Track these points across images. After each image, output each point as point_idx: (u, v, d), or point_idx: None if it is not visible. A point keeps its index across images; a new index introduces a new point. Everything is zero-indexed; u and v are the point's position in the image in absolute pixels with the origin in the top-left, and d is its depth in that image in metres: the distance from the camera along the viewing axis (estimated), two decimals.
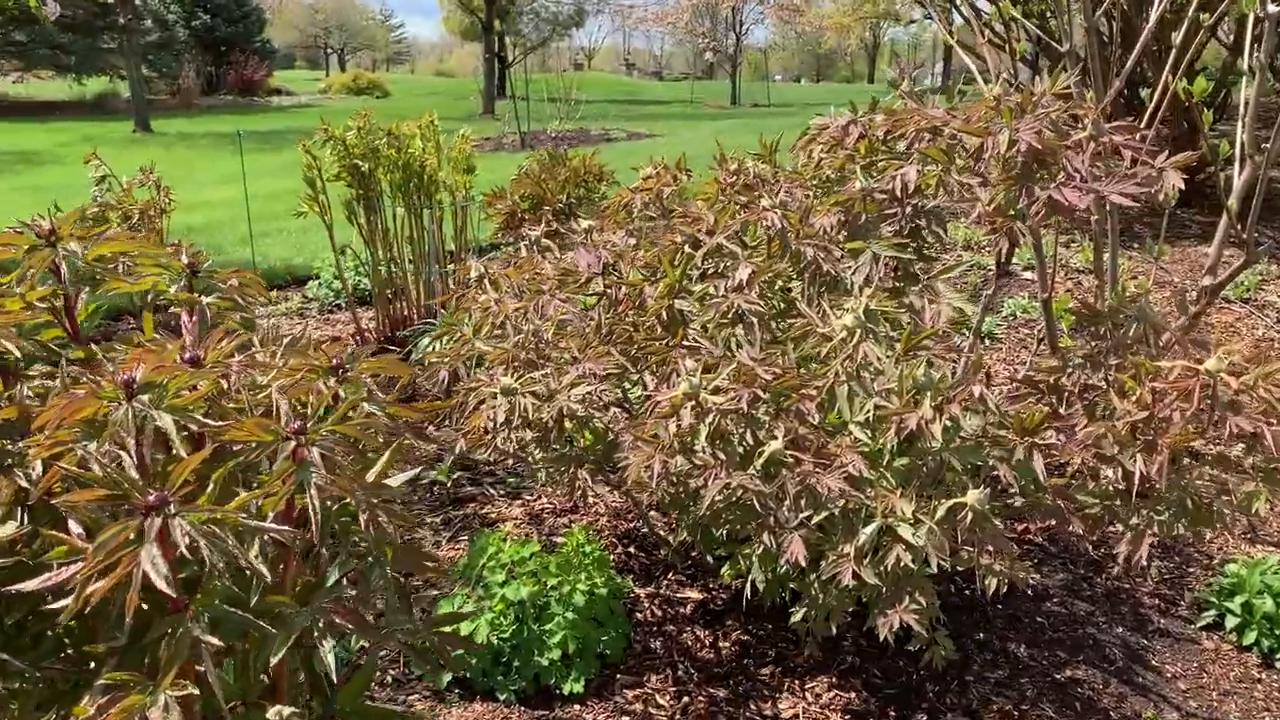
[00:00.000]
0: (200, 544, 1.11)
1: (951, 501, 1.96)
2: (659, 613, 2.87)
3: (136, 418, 1.25)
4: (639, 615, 2.86)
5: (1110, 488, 2.14)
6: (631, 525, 3.29)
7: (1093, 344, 2.20)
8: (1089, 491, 2.16)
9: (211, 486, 1.21)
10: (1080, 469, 2.16)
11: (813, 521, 2.01)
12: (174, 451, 1.27)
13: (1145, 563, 2.01)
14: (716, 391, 2.13)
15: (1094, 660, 2.74)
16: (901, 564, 1.92)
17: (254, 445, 1.30)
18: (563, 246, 3.14)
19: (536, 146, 14.18)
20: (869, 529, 1.97)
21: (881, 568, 1.95)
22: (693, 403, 2.07)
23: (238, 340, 1.48)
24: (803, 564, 1.98)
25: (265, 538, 1.30)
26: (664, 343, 2.55)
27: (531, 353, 2.45)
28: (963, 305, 2.52)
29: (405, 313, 5.02)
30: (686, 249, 2.66)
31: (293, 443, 1.28)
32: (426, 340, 4.20)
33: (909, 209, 2.72)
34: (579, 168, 5.83)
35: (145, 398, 1.28)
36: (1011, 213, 2.15)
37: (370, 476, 1.39)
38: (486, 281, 2.81)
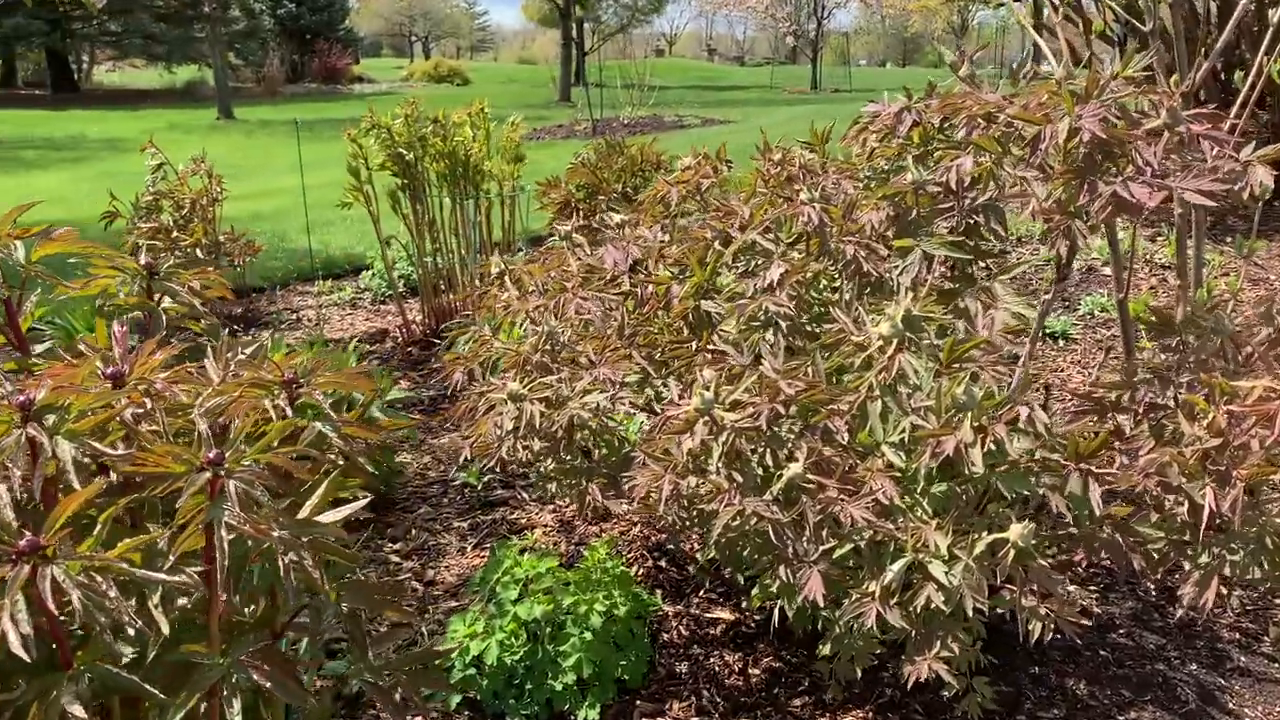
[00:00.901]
0: (74, 596, 0.97)
1: (991, 537, 1.75)
2: (686, 633, 2.69)
3: (34, 444, 1.12)
4: (665, 635, 2.69)
5: (1178, 520, 1.90)
6: (664, 536, 3.12)
7: (1164, 357, 1.96)
8: (1152, 524, 1.92)
9: (99, 528, 1.06)
10: (1143, 498, 1.92)
11: (835, 555, 1.82)
12: (73, 484, 1.13)
13: (1213, 607, 1.77)
14: (735, 406, 1.94)
15: (1163, 701, 2.49)
16: (933, 605, 1.71)
17: (169, 477, 1.15)
18: (596, 242, 2.97)
19: (609, 134, 14.05)
20: (897, 565, 1.76)
21: (911, 609, 1.74)
22: (706, 419, 1.89)
23: (172, 352, 1.34)
24: (820, 603, 1.78)
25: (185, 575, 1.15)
26: (690, 346, 2.37)
27: (546, 355, 2.29)
28: (1022, 310, 2.29)
29: (452, 305, 4.90)
30: (717, 245, 2.47)
31: (206, 474, 1.14)
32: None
33: (965, 203, 2.50)
34: (636, 156, 5.66)
35: (48, 420, 1.14)
36: (1071, 210, 1.92)
37: (304, 511, 1.23)
38: (508, 279, 2.66)
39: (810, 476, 1.83)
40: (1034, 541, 1.74)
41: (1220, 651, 2.68)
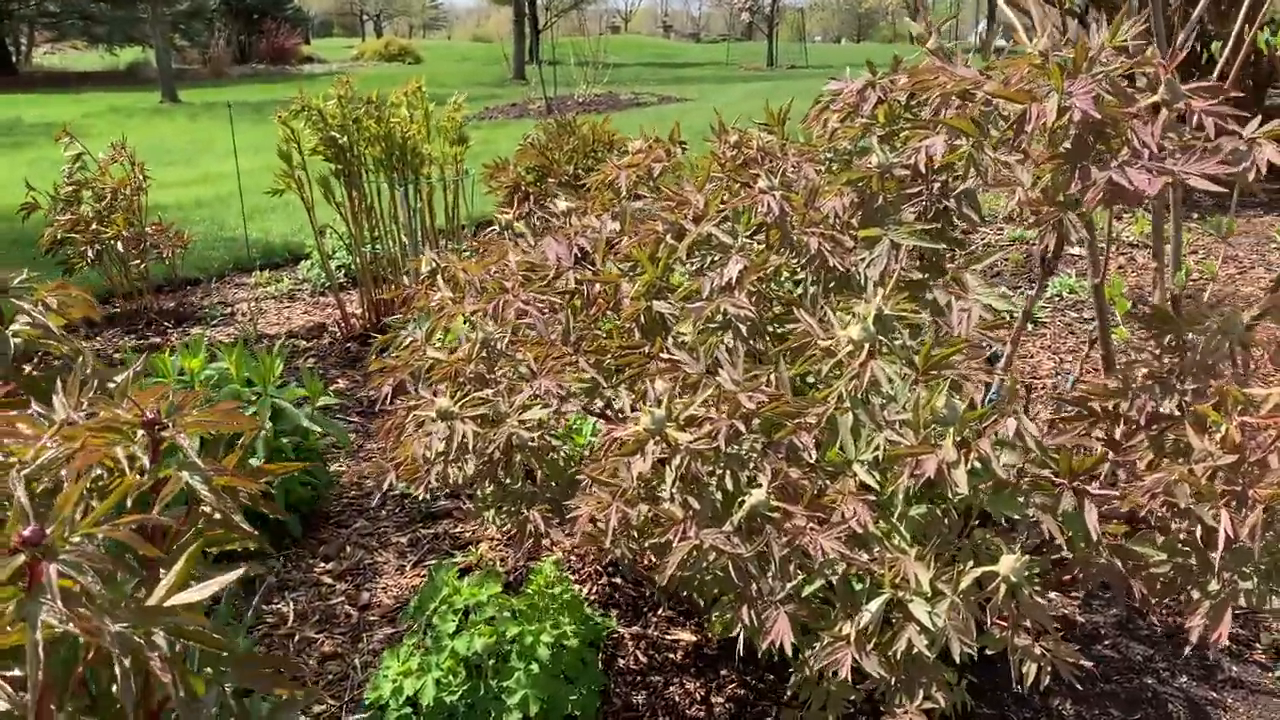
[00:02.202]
0: None
1: (979, 570, 1.55)
2: (644, 659, 2.48)
3: None
4: (621, 660, 2.48)
5: (1180, 540, 1.71)
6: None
7: (1163, 359, 1.77)
8: (1156, 544, 1.73)
9: None
10: (1144, 516, 1.74)
11: (805, 592, 1.61)
12: None
13: (1226, 641, 1.59)
14: (690, 423, 1.73)
15: (1153, 718, 2.32)
16: (914, 650, 1.51)
17: None
18: (544, 231, 2.74)
19: (563, 112, 13.73)
20: (874, 605, 1.56)
21: (890, 653, 1.54)
22: (657, 438, 1.67)
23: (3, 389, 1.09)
24: (789, 650, 1.58)
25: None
26: (642, 352, 2.15)
27: (483, 365, 2.06)
28: (996, 303, 2.09)
29: (394, 297, 4.64)
30: (669, 239, 2.25)
31: (20, 558, 0.90)
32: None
33: (934, 188, 2.30)
34: (588, 136, 5.41)
35: None
36: (1061, 199, 1.72)
37: (158, 593, 1.00)
38: (440, 278, 2.42)
39: (775, 503, 1.62)
40: (1027, 573, 1.54)
41: (1210, 661, 2.52)
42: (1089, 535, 1.65)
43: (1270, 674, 2.47)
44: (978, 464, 1.65)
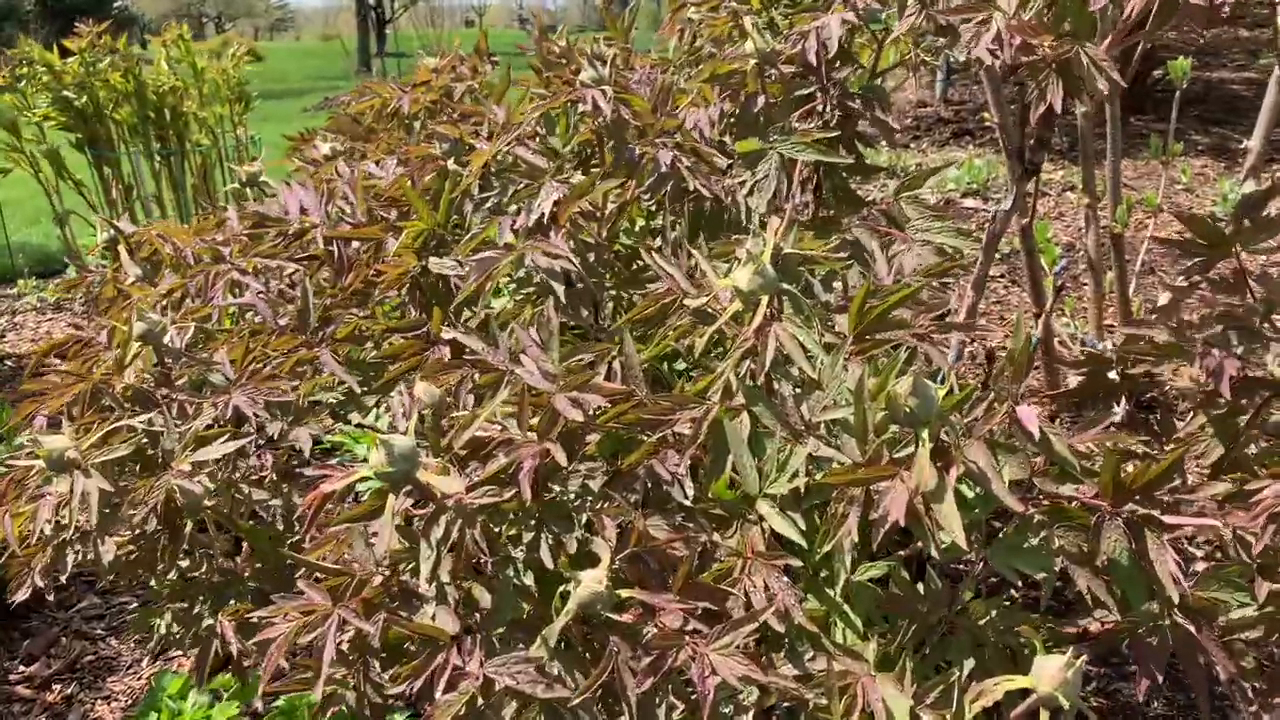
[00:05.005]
0: None
1: (999, 687, 0.85)
2: None
3: None
4: None
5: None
6: None
7: (1222, 301, 1.10)
8: (1234, 582, 1.06)
9: None
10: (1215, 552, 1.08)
11: None
12: None
13: None
14: (473, 454, 0.99)
15: None
16: None
17: None
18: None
19: None
20: None
21: None
22: (407, 491, 0.93)
23: None
24: None
25: None
26: (418, 336, 1.40)
27: (152, 374, 1.27)
28: (950, 240, 1.42)
29: None
30: (452, 165, 1.51)
31: None
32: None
33: (834, 91, 1.64)
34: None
35: None
36: (1068, 26, 1.03)
37: None
38: (123, 250, 1.62)
39: (626, 593, 0.89)
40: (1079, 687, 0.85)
41: None
42: (1158, 592, 0.98)
43: None
44: (971, 493, 0.96)
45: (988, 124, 6.15)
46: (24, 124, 3.46)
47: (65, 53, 3.49)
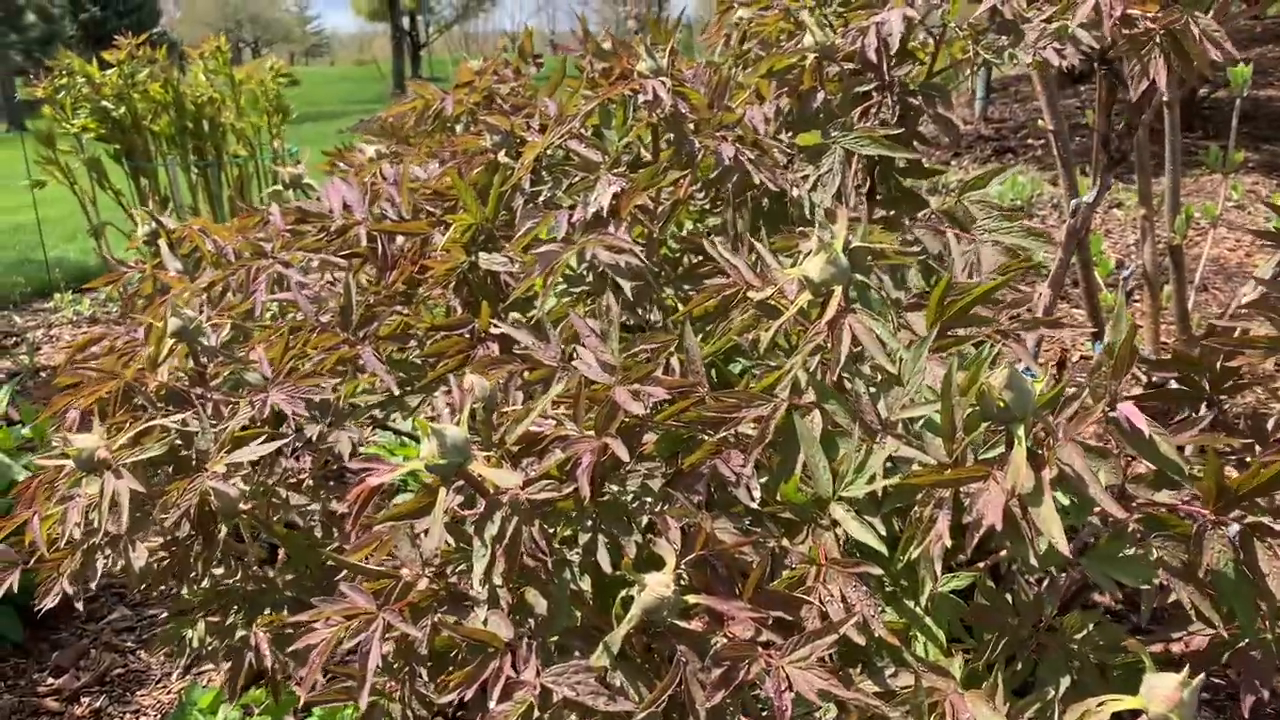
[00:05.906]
0: None
1: (1105, 708, 0.78)
2: None
3: None
4: None
5: None
6: None
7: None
8: None
9: None
10: None
11: None
12: None
13: None
14: (526, 449, 0.93)
15: None
16: None
17: None
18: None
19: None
20: None
21: None
22: (457, 486, 0.87)
23: None
24: None
25: None
26: (464, 335, 1.35)
27: (187, 373, 1.22)
28: (1021, 241, 1.35)
29: None
30: (503, 159, 1.46)
31: None
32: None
33: (895, 88, 1.58)
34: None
35: None
36: None
37: None
38: (164, 244, 1.57)
39: (694, 599, 0.82)
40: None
41: None
42: (1269, 604, 0.90)
43: None
44: (1067, 500, 0.89)
45: (1029, 141, 6.06)
46: (61, 135, 3.46)
47: (104, 65, 3.49)
